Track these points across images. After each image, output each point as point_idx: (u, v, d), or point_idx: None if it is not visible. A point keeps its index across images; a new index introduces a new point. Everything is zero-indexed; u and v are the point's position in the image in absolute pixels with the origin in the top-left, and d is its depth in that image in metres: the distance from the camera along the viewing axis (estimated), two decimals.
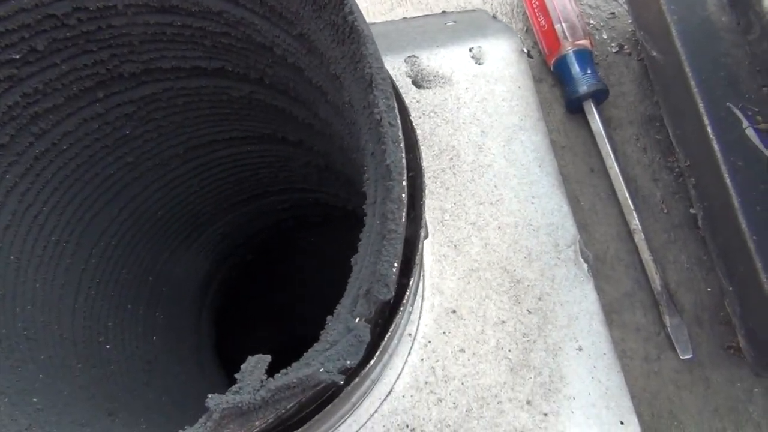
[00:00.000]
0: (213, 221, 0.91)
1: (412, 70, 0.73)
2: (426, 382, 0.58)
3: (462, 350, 0.61)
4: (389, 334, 0.40)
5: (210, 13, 0.53)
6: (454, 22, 0.83)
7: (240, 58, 0.59)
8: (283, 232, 1.04)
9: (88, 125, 0.63)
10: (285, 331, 1.13)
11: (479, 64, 0.75)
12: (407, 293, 0.40)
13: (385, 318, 0.40)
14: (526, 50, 0.77)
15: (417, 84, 0.73)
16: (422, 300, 0.62)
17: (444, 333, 0.61)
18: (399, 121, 0.39)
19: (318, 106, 0.60)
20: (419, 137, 0.74)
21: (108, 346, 0.75)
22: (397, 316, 0.40)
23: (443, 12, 0.91)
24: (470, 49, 0.75)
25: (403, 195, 0.37)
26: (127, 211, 0.78)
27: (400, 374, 0.56)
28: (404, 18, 0.88)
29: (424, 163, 0.74)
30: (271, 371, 0.36)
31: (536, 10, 0.89)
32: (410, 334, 0.61)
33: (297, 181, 0.89)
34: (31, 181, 0.62)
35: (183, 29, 0.55)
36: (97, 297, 0.74)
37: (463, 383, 0.58)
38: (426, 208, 0.45)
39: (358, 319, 0.37)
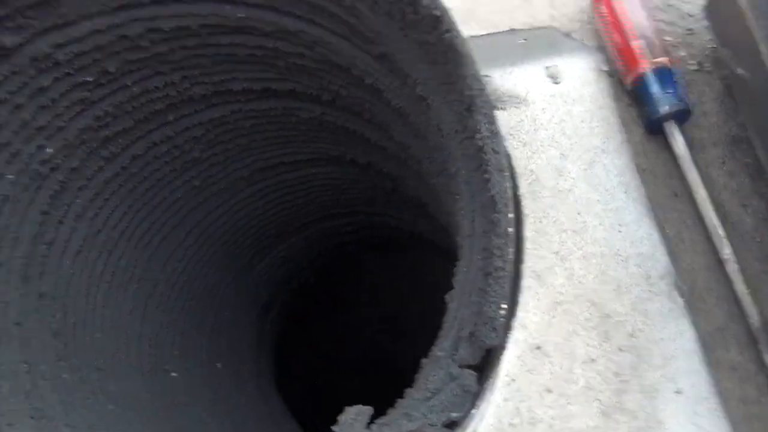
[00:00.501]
0: (276, 244, 0.89)
1: None
2: (510, 424, 0.54)
3: (549, 390, 0.56)
4: (490, 380, 0.36)
5: (286, 33, 0.50)
6: (525, 39, 0.80)
7: (313, 79, 0.56)
8: (346, 255, 1.02)
9: (157, 149, 0.62)
10: (351, 356, 1.10)
11: (556, 83, 0.71)
12: (509, 334, 0.37)
13: (486, 362, 0.36)
14: (606, 69, 0.72)
15: None
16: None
17: (529, 371, 0.57)
18: (503, 147, 0.35)
19: (394, 128, 0.57)
20: None
21: (174, 375, 0.73)
22: (501, 361, 0.36)
23: (511, 30, 0.87)
24: (546, 68, 0.72)
25: (510, 229, 0.33)
26: (193, 235, 0.76)
27: (483, 415, 0.52)
28: (471, 36, 0.85)
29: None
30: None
31: (609, 27, 0.85)
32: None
33: (362, 203, 0.87)
34: (100, 205, 0.61)
35: (256, 50, 0.53)
36: (163, 323, 0.73)
37: (551, 426, 0.53)
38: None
39: (461, 365, 0.33)
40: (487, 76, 0.73)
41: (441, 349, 0.35)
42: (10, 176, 0.49)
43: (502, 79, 0.71)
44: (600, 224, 0.64)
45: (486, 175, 0.34)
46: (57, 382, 0.49)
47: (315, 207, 0.86)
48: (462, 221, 0.38)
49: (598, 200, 0.65)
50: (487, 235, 0.34)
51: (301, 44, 0.52)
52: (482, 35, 0.88)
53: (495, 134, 0.34)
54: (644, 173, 0.83)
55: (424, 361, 0.36)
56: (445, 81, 0.37)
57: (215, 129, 0.64)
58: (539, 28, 0.87)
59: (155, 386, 0.65)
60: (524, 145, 0.68)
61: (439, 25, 0.35)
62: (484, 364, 0.35)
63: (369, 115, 0.58)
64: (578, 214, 0.64)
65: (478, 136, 0.34)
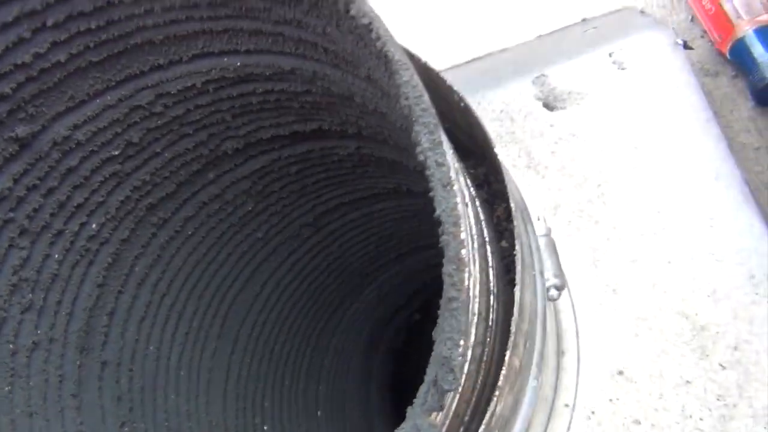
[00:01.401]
0: (364, 285, 0.88)
1: (541, 92, 0.64)
2: None
3: (637, 421, 0.48)
4: (484, 427, 0.31)
5: (284, 72, 0.49)
6: (595, 28, 0.72)
7: (331, 114, 0.54)
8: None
9: (208, 208, 0.63)
10: None
11: (622, 69, 0.63)
12: (508, 372, 0.32)
13: (474, 406, 0.31)
14: (681, 41, 0.63)
15: (549, 106, 0.63)
16: (578, 362, 0.51)
17: (611, 400, 0.50)
18: (449, 158, 0.31)
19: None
20: (557, 165, 0.64)
21: (266, 427, 0.73)
22: (494, 406, 0.31)
23: (583, 20, 0.80)
24: (610, 54, 0.64)
25: (463, 252, 0.29)
26: (270, 285, 0.76)
27: None
28: (539, 36, 0.79)
29: (566, 195, 0.63)
30: None
31: None
32: (567, 405, 0.50)
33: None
34: (161, 270, 0.63)
35: (267, 95, 0.53)
36: (249, 377, 0.73)
37: None
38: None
39: (430, 413, 0.29)
40: (542, 76, 0.67)
41: (418, 396, 0.31)
42: (57, 256, 0.52)
43: (559, 76, 0.65)
44: (686, 221, 0.55)
45: (431, 193, 0.29)
46: None
47: (396, 242, 0.84)
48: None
49: (681, 193, 0.56)
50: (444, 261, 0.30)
51: (302, 81, 0.50)
52: (552, 32, 0.82)
53: (437, 144, 0.30)
54: (756, 152, 0.71)
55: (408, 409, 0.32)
56: (391, 93, 0.34)
57: (261, 180, 0.65)
58: (614, 12, 0.79)
59: None
60: (590, 143, 0.61)
61: (369, 33, 0.32)
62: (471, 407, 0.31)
63: (393, 142, 0.55)
64: (658, 213, 0.56)
65: (418, 149, 0.30)
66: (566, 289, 0.51)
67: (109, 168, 0.53)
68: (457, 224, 0.28)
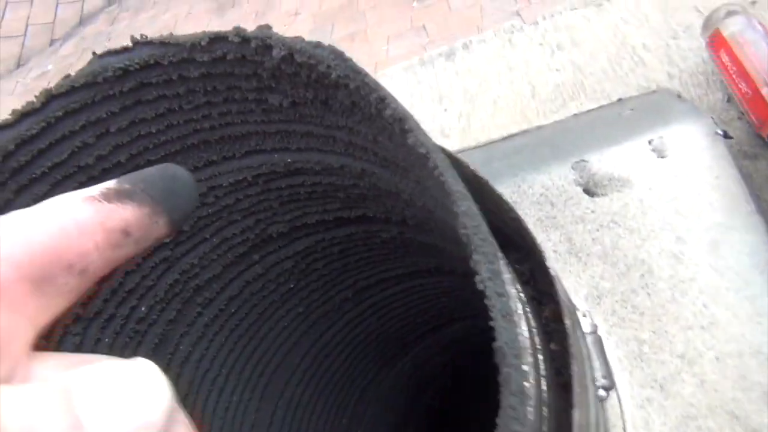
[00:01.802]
0: (400, 355, 0.88)
1: (581, 177, 0.64)
2: None
3: None
4: None
5: (333, 169, 0.51)
6: (631, 110, 0.73)
7: (377, 204, 0.56)
8: (479, 356, 0.97)
9: (251, 286, 0.65)
10: None
11: (662, 157, 0.63)
12: None
13: None
14: (721, 132, 0.63)
15: (589, 192, 0.64)
16: None
17: None
18: (509, 287, 0.31)
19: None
20: (599, 253, 0.64)
21: None
22: None
23: (619, 100, 0.80)
24: (649, 142, 0.64)
25: (526, 384, 0.29)
26: (309, 357, 0.77)
27: None
28: (574, 114, 0.80)
29: (609, 284, 0.63)
30: None
31: (735, 76, 0.75)
32: None
33: (482, 306, 0.82)
34: (205, 347, 0.64)
35: (315, 186, 0.54)
36: None
37: None
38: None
39: None
40: (582, 161, 0.67)
41: None
42: (107, 340, 0.54)
43: (600, 161, 0.65)
44: (734, 316, 0.54)
45: (491, 323, 0.30)
46: None
47: (434, 314, 0.84)
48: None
49: (728, 288, 0.55)
50: (504, 392, 0.30)
51: (350, 176, 0.52)
52: (587, 111, 0.82)
53: (497, 275, 0.30)
54: None
55: None
56: (443, 203, 0.34)
57: (304, 260, 0.66)
58: (650, 93, 0.79)
59: None
60: (631, 232, 0.61)
61: (425, 161, 0.33)
62: None
63: (439, 232, 0.56)
64: (705, 306, 0.55)
65: (477, 278, 0.30)
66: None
67: (160, 254, 0.55)
68: (519, 356, 0.28)
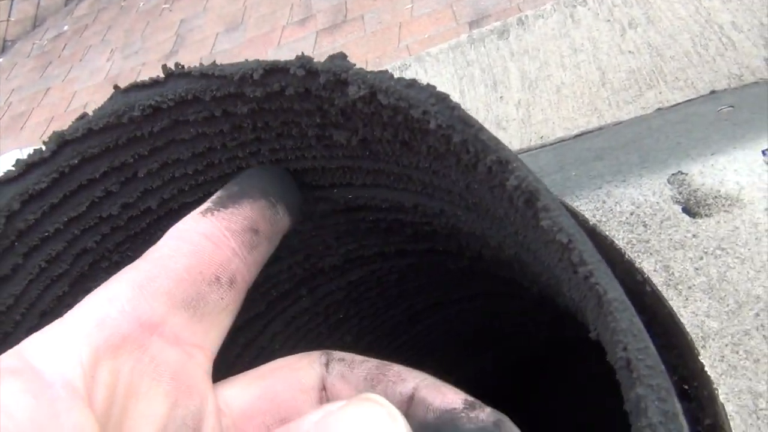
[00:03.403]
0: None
1: (680, 194, 0.55)
2: None
3: None
4: None
5: (403, 206, 0.42)
6: (731, 107, 0.63)
7: (449, 241, 0.47)
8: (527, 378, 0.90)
9: (296, 321, 0.57)
10: None
11: None
12: None
13: None
14: None
15: (690, 212, 0.54)
16: None
17: None
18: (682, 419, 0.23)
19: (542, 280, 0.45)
20: (704, 286, 0.55)
21: None
22: None
23: (712, 91, 0.70)
24: (764, 152, 0.55)
25: None
26: None
27: None
28: (658, 109, 0.70)
29: (716, 324, 0.54)
30: None
31: None
32: None
33: (537, 327, 0.75)
34: None
35: (377, 222, 0.46)
36: None
37: None
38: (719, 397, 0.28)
39: None
40: (680, 173, 0.58)
41: None
42: None
43: (703, 175, 0.56)
44: None
45: None
46: None
47: (490, 333, 0.76)
48: None
49: None
50: None
51: (424, 215, 0.43)
52: (674, 105, 0.72)
53: (672, 418, 0.22)
54: None
55: None
56: (595, 320, 0.26)
57: (356, 289, 0.58)
58: (749, 84, 0.69)
59: None
60: (743, 261, 0.52)
61: (568, 253, 0.24)
62: None
63: (520, 270, 0.47)
64: None
65: (643, 420, 0.22)
66: None
67: None
68: None
